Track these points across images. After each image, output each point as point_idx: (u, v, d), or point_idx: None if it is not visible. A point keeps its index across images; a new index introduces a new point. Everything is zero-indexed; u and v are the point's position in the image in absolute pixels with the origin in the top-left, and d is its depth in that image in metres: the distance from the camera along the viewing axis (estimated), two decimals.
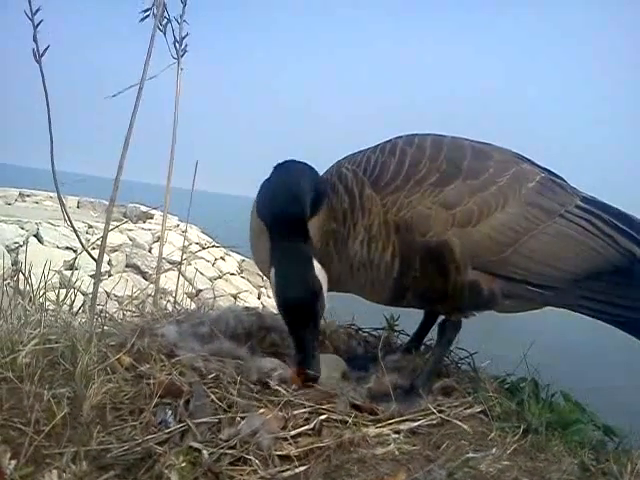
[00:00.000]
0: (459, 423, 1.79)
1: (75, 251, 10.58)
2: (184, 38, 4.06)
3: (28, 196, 16.72)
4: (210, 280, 12.79)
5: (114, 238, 11.71)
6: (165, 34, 3.99)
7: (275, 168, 2.12)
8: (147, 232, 13.85)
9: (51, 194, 14.75)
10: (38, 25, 3.38)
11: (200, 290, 10.91)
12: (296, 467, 1.52)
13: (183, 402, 1.70)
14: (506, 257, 1.96)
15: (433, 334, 2.30)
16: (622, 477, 1.62)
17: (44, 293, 2.88)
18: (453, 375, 2.14)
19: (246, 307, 2.61)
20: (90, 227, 12.25)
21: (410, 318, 2.45)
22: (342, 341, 2.43)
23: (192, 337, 2.10)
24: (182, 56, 4.07)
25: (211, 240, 12.45)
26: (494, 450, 1.66)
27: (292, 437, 1.62)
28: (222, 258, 14.25)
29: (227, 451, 1.53)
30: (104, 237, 3.81)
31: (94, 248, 4.10)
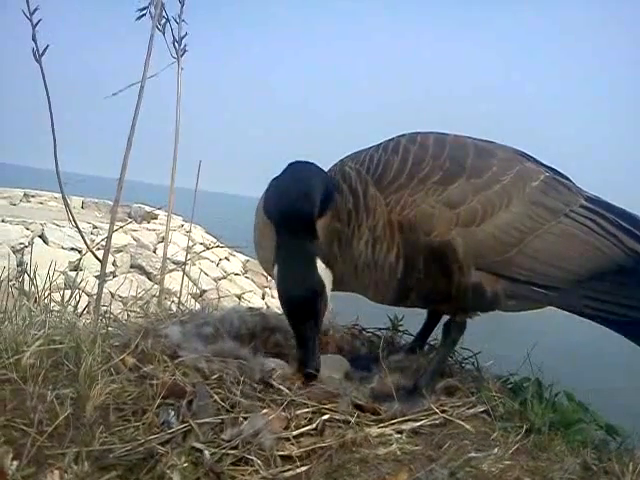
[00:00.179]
0: (462, 423, 1.79)
1: (80, 252, 10.61)
2: (183, 38, 4.06)
3: (33, 196, 16.75)
4: (214, 280, 12.80)
5: (119, 239, 11.73)
6: (164, 34, 4.00)
7: (286, 167, 2.12)
8: (151, 232, 13.86)
9: (55, 194, 14.77)
10: (37, 24, 3.39)
11: (204, 290, 10.95)
12: (298, 467, 1.53)
13: (186, 402, 1.71)
14: (510, 257, 1.95)
15: (437, 334, 2.30)
16: (624, 476, 1.62)
17: (49, 294, 2.90)
18: (456, 375, 2.14)
19: (250, 307, 2.62)
20: (95, 228, 12.27)
21: (414, 318, 2.45)
22: (346, 341, 2.43)
23: (196, 338, 2.11)
24: (182, 56, 4.07)
25: (215, 240, 12.47)
26: (496, 450, 1.66)
27: (294, 437, 1.62)
28: (226, 258, 14.26)
29: (229, 451, 1.54)
30: (109, 238, 3.82)
31: (99, 249, 4.12)
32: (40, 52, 3.44)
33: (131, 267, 12.04)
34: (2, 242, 10.70)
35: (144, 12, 3.81)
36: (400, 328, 2.59)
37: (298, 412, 1.70)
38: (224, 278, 13.41)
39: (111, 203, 4.30)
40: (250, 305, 3.23)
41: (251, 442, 1.56)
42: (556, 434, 1.82)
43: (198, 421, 1.62)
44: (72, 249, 11.24)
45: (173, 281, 5.90)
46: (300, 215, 1.94)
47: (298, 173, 2.10)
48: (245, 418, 1.64)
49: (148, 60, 3.73)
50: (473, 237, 1.94)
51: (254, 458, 1.52)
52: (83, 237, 4.24)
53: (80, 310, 3.01)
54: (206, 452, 1.52)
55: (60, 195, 4.00)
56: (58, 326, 2.10)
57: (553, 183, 2.08)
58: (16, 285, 3.21)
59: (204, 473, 1.48)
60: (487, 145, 2.14)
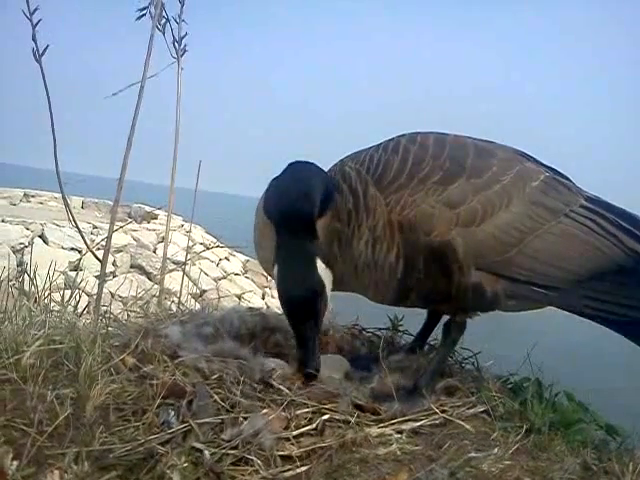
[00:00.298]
0: (462, 423, 1.79)
1: (80, 252, 10.61)
2: (183, 38, 4.06)
3: (33, 196, 16.75)
4: (214, 280, 12.80)
5: (119, 239, 11.73)
6: (164, 34, 4.00)
7: (286, 167, 2.12)
8: (151, 232, 13.86)
9: (55, 194, 14.76)
10: (37, 24, 3.40)
11: (204, 290, 10.95)
12: (298, 467, 1.53)
13: (186, 402, 1.70)
14: (511, 257, 1.95)
15: (437, 334, 2.30)
16: (624, 476, 1.62)
17: (49, 294, 2.90)
18: (456, 375, 2.14)
19: (250, 307, 2.62)
20: (95, 228, 12.27)
21: (414, 318, 2.45)
22: (346, 341, 2.43)
23: (196, 338, 2.11)
24: (182, 56, 4.07)
25: (215, 240, 12.47)
26: (496, 450, 1.66)
27: (294, 437, 1.62)
28: (226, 258, 14.26)
29: (229, 451, 1.54)
30: (109, 238, 3.82)
31: (99, 249, 4.12)
32: (40, 52, 3.44)
33: (131, 267, 12.04)
34: (2, 242, 10.70)
35: (144, 12, 3.81)
36: (400, 328, 2.59)
37: (298, 412, 1.70)
38: (224, 278, 13.41)
39: (111, 203, 4.30)
40: (250, 305, 3.23)
41: (251, 442, 1.56)
42: (556, 434, 1.82)
43: (198, 421, 1.62)
44: (72, 249, 11.24)
45: (173, 281, 5.90)
46: (300, 215, 1.94)
47: (298, 173, 2.10)
48: (245, 418, 1.64)
49: (148, 60, 3.73)
50: (473, 237, 1.94)
51: (254, 458, 1.52)
52: (83, 237, 4.24)
53: (80, 310, 3.01)
54: (206, 452, 1.52)
55: (60, 195, 4.00)
56: (58, 326, 2.10)
57: (553, 183, 2.08)
58: (16, 285, 3.21)
59: (204, 473, 1.48)
60: (487, 145, 2.14)
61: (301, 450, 1.58)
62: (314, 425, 1.67)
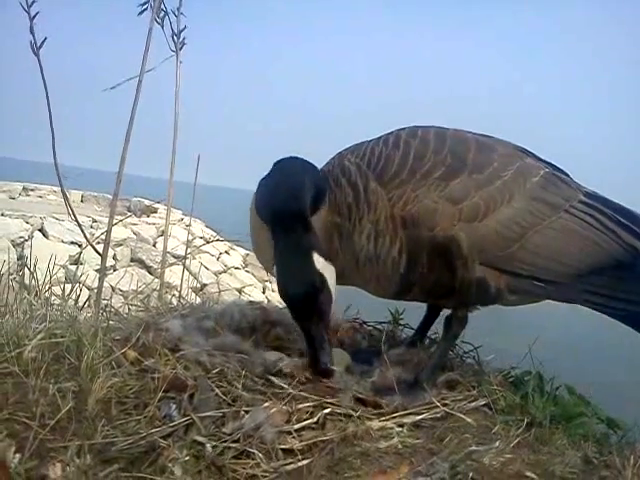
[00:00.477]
0: (463, 416, 1.79)
1: (80, 245, 10.61)
2: (182, 31, 4.06)
3: (32, 190, 16.74)
4: (215, 274, 12.80)
5: (118, 232, 11.72)
6: (163, 27, 3.99)
7: (274, 165, 2.12)
8: (151, 226, 13.87)
9: (55, 188, 14.74)
10: (34, 17, 3.39)
11: (205, 284, 10.93)
12: (299, 460, 1.53)
13: (187, 396, 1.71)
14: (513, 252, 1.96)
15: (437, 328, 2.31)
16: (625, 470, 1.62)
17: (49, 288, 2.90)
18: (457, 369, 2.14)
19: (250, 301, 2.62)
20: (94, 221, 12.28)
21: (415, 312, 2.45)
22: (347, 335, 2.43)
23: (197, 331, 2.11)
24: (180, 49, 4.06)
25: (215, 234, 12.46)
26: (497, 443, 1.66)
27: (296, 431, 1.62)
28: (227, 252, 14.26)
29: (231, 445, 1.54)
30: (108, 231, 3.82)
31: (99, 242, 4.12)
32: (38, 45, 3.44)
33: (131, 261, 12.04)
34: (2, 236, 10.70)
35: (145, 7, 3.81)
36: (401, 322, 2.59)
37: (300, 406, 1.70)
38: (224, 272, 13.42)
39: (110, 197, 4.30)
40: (251, 299, 3.23)
41: (253, 435, 1.56)
42: (557, 428, 1.83)
43: (200, 414, 1.63)
44: (72, 243, 11.24)
45: (173, 275, 5.91)
46: (291, 211, 1.93)
47: (286, 170, 2.10)
48: (247, 412, 1.65)
49: (147, 53, 3.72)
50: (476, 232, 1.94)
51: (256, 451, 1.53)
52: (83, 231, 4.24)
53: (81, 304, 3.01)
54: (208, 445, 1.53)
55: (59, 189, 4.00)
56: (59, 320, 2.10)
57: (553, 179, 2.09)
58: (16, 279, 3.21)
59: (206, 466, 1.49)
60: (487, 140, 2.15)
61: (303, 443, 1.59)
62: (315, 419, 1.67)
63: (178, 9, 4.05)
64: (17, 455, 1.42)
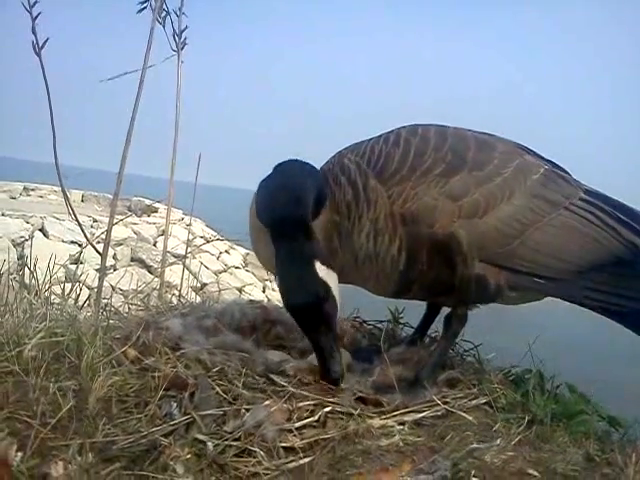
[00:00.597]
0: (464, 414, 1.79)
1: (80, 245, 10.61)
2: (183, 31, 4.05)
3: (33, 190, 16.74)
4: (215, 273, 12.80)
5: (119, 232, 11.73)
6: (164, 27, 3.99)
7: (274, 168, 2.09)
8: (152, 226, 13.87)
9: (55, 188, 14.75)
10: (36, 17, 3.39)
11: (205, 284, 10.94)
12: (301, 458, 1.53)
13: (188, 395, 1.71)
14: (512, 249, 1.96)
15: (438, 326, 2.30)
16: (627, 467, 1.62)
17: (50, 287, 2.89)
18: (458, 367, 2.14)
19: (251, 300, 2.62)
20: (95, 221, 12.29)
21: (415, 310, 2.45)
22: (347, 333, 2.43)
23: (197, 330, 2.11)
24: (182, 49, 4.06)
25: (215, 233, 12.46)
26: (499, 441, 1.66)
27: (297, 429, 1.62)
28: (227, 251, 14.27)
29: (232, 443, 1.54)
30: (108, 231, 3.82)
31: (99, 242, 4.12)
32: (40, 45, 3.44)
33: (131, 260, 12.05)
34: (2, 235, 10.71)
35: (145, 5, 3.80)
36: (401, 320, 2.59)
37: (300, 404, 1.70)
38: (225, 271, 13.42)
39: (111, 196, 4.30)
40: (251, 298, 3.23)
41: (254, 434, 1.56)
42: (558, 425, 1.83)
43: (200, 413, 1.63)
44: (72, 242, 11.25)
45: (173, 274, 5.90)
46: (293, 220, 1.90)
47: (287, 174, 2.07)
48: (247, 410, 1.64)
49: (148, 53, 3.72)
50: (476, 229, 1.94)
51: (257, 449, 1.52)
52: (83, 230, 4.24)
53: (81, 303, 3.00)
54: (209, 444, 1.53)
55: (60, 188, 4.00)
56: (59, 319, 2.10)
57: (553, 176, 2.09)
58: (17, 278, 3.20)
59: (207, 464, 1.49)
60: (488, 138, 2.15)
61: (304, 442, 1.58)
62: (316, 417, 1.67)
63: (180, 9, 4.05)
64: (19, 453, 1.42)
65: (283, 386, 1.78)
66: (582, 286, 2.00)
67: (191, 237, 10.76)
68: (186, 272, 5.21)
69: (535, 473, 1.55)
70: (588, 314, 2.02)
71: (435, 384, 1.96)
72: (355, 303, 2.66)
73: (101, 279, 3.69)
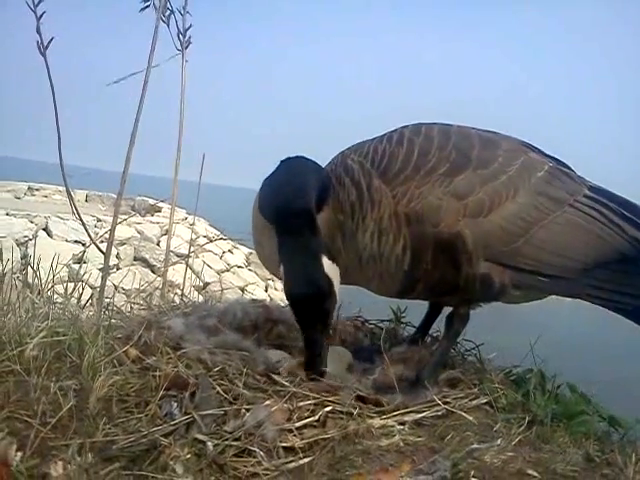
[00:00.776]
0: (464, 414, 1.79)
1: (84, 245, 10.62)
2: (187, 30, 4.05)
3: (37, 190, 16.79)
4: (218, 273, 12.82)
5: (122, 231, 11.75)
6: (169, 26, 3.99)
7: (279, 165, 2.10)
8: (155, 225, 13.89)
9: (60, 188, 14.79)
10: (41, 17, 3.39)
11: (208, 283, 10.94)
12: (301, 458, 1.53)
13: (189, 394, 1.71)
14: (517, 247, 1.96)
15: (438, 325, 2.30)
16: (627, 468, 1.62)
17: (52, 286, 2.90)
18: (459, 366, 2.14)
19: (253, 299, 2.61)
20: (99, 220, 12.31)
21: (416, 310, 2.45)
22: (349, 333, 2.43)
23: (199, 330, 2.11)
24: (186, 48, 4.06)
25: (219, 233, 12.47)
26: (499, 441, 1.66)
27: (297, 429, 1.62)
28: (230, 251, 14.28)
29: (232, 443, 1.54)
30: (112, 230, 3.83)
31: (102, 241, 4.12)
32: (45, 45, 3.44)
33: (134, 260, 12.07)
34: (6, 235, 10.72)
35: (148, 3, 3.81)
36: (402, 320, 2.59)
37: (301, 404, 1.70)
38: (227, 271, 13.44)
39: (115, 196, 4.30)
40: (253, 297, 3.23)
41: (254, 434, 1.56)
42: (559, 426, 1.83)
43: (201, 413, 1.63)
44: (76, 242, 11.28)
45: (176, 274, 5.91)
46: (298, 213, 1.90)
47: (291, 170, 2.08)
48: (248, 410, 1.64)
49: (153, 52, 3.72)
50: (481, 228, 1.94)
51: (257, 449, 1.52)
52: (87, 230, 4.25)
53: (83, 302, 3.01)
54: (209, 443, 1.53)
55: (64, 188, 4.00)
56: (61, 318, 2.10)
57: (557, 173, 2.09)
58: (20, 277, 3.21)
59: (207, 464, 1.49)
60: (492, 136, 2.14)
61: (304, 442, 1.58)
62: (316, 417, 1.67)
63: (184, 8, 4.05)
64: (19, 453, 1.42)
65: (284, 385, 1.79)
66: (586, 284, 2.00)
67: (194, 236, 10.77)
68: (189, 271, 5.21)
69: (535, 474, 1.55)
70: (590, 314, 2.02)
71: (436, 384, 1.95)
72: (357, 302, 2.66)
73: (104, 278, 3.70)
